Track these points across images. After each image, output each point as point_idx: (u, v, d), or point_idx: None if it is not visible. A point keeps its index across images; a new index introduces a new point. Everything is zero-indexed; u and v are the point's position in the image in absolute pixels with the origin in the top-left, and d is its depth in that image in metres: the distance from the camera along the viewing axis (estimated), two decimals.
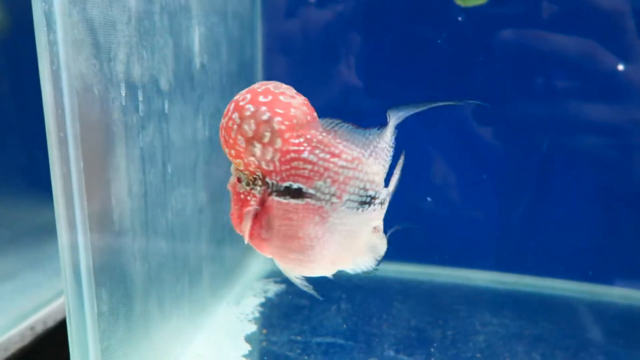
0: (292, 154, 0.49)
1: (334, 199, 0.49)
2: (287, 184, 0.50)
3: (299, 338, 0.96)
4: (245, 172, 0.53)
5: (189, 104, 0.87)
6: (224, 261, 1.08)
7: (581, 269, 1.22)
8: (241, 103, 0.52)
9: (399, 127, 0.54)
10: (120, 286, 0.68)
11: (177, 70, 0.81)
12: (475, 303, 1.15)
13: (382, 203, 0.52)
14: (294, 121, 0.49)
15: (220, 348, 0.92)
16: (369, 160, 0.50)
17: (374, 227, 0.55)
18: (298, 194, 0.50)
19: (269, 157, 0.50)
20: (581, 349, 0.95)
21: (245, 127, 0.50)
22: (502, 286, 1.24)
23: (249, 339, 0.96)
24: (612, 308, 1.13)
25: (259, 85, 0.53)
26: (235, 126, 0.51)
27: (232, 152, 0.52)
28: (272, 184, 0.51)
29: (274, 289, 1.19)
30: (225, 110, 0.52)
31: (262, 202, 0.52)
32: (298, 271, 0.57)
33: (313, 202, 0.50)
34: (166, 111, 0.78)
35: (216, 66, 0.98)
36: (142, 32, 0.70)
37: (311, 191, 0.49)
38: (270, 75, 1.30)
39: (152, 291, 0.76)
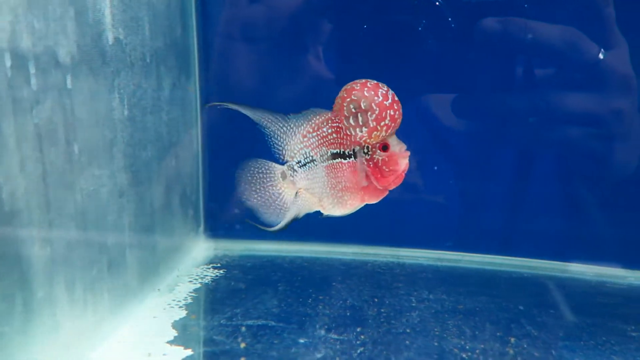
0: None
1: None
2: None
3: (229, 322, 0.94)
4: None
5: (101, 80, 0.83)
6: (155, 247, 1.05)
7: (523, 246, 1.23)
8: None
9: None
10: (14, 269, 0.64)
11: (82, 43, 0.77)
12: (415, 281, 1.14)
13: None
14: None
15: (144, 335, 0.88)
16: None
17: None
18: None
19: None
20: (512, 321, 0.95)
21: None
22: (444, 264, 1.24)
23: (176, 325, 0.92)
24: (549, 281, 1.15)
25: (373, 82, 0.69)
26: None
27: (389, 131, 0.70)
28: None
29: (212, 274, 1.16)
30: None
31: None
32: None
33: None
34: (69, 86, 0.74)
35: (136, 42, 0.94)
36: None
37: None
38: (207, 57, 1.25)
39: (58, 276, 0.72)
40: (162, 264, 1.09)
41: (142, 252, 0.99)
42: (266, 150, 1.02)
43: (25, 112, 0.65)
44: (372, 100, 0.67)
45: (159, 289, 1.04)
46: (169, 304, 1.00)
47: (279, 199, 0.77)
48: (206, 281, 1.12)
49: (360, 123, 0.68)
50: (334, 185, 0.72)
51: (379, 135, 0.69)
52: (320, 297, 1.04)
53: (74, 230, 0.76)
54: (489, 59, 1.00)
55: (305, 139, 0.72)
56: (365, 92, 0.68)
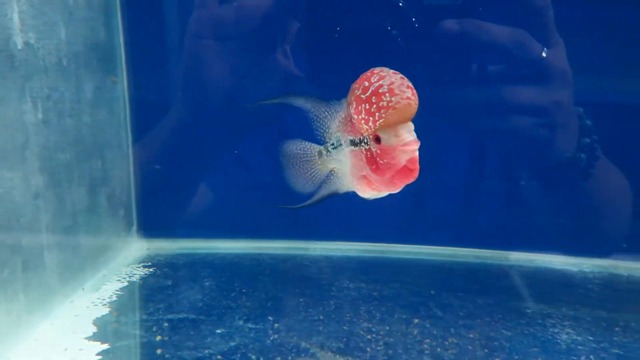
0: None
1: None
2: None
3: (150, 317, 0.97)
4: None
5: (9, 85, 0.84)
6: (78, 248, 1.06)
7: (443, 235, 1.31)
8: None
9: None
10: None
11: None
12: (339, 272, 1.20)
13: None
14: None
15: (63, 332, 0.90)
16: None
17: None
18: None
19: None
20: (421, 304, 1.02)
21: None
22: (369, 254, 1.30)
23: (97, 321, 0.95)
24: (461, 267, 1.22)
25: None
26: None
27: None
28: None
29: (141, 273, 1.18)
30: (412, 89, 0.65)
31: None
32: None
33: None
34: None
35: (50, 46, 0.96)
36: None
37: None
38: (134, 59, 1.27)
39: None
40: (88, 263, 1.11)
41: (63, 253, 1.00)
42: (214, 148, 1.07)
43: None
44: (364, 89, 0.64)
45: (83, 288, 1.06)
46: (93, 303, 1.02)
47: (314, 174, 0.82)
48: (134, 279, 1.14)
49: (355, 112, 0.67)
50: (350, 171, 0.74)
51: (371, 126, 0.65)
52: (244, 291, 1.08)
53: None
54: (448, 56, 1.08)
55: (339, 124, 0.74)
56: (364, 80, 0.66)
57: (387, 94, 0.63)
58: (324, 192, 0.81)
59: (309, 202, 0.83)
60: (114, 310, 0.99)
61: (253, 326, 0.94)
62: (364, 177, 0.72)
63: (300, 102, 0.78)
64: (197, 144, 1.32)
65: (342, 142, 0.73)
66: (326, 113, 0.77)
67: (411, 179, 0.66)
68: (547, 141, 1.09)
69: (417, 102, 0.64)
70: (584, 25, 1.05)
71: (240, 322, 0.95)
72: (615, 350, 0.86)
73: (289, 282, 1.13)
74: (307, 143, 0.82)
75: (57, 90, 0.98)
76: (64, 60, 1.00)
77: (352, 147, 0.71)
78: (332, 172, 0.80)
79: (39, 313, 0.92)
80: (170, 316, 0.97)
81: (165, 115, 1.30)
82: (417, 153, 0.65)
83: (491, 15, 1.02)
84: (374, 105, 0.63)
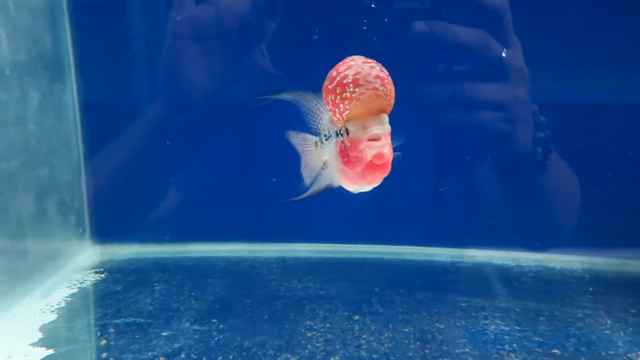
0: None
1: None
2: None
3: (97, 322, 0.98)
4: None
5: None
6: (26, 255, 1.07)
7: (392, 234, 1.36)
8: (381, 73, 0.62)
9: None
10: None
11: None
12: (289, 272, 1.24)
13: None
14: None
15: (8, 339, 0.91)
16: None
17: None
18: None
19: None
20: (364, 302, 1.06)
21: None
22: (319, 255, 1.34)
23: (43, 328, 0.96)
24: (408, 264, 1.28)
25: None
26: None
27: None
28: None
29: (92, 279, 1.19)
30: (386, 74, 0.61)
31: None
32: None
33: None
34: None
35: None
36: None
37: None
38: (83, 64, 1.28)
39: None
40: (37, 271, 1.12)
41: (9, 260, 1.01)
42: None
43: None
44: (331, 79, 0.62)
45: (31, 296, 1.07)
46: (41, 309, 1.03)
47: (313, 166, 0.80)
48: (85, 286, 1.15)
49: (325, 103, 0.65)
50: (334, 163, 0.72)
51: (339, 118, 0.64)
52: (193, 294, 1.11)
53: None
54: (417, 55, 1.14)
55: (331, 115, 0.72)
56: (333, 71, 0.64)
57: (350, 85, 0.60)
58: (319, 185, 0.79)
59: (305, 195, 0.80)
60: (62, 317, 1.00)
61: (198, 328, 0.96)
62: (341, 170, 0.70)
63: (294, 97, 0.76)
64: (149, 149, 1.33)
65: (332, 133, 0.72)
66: (318, 105, 0.75)
67: (380, 174, 0.64)
68: (507, 135, 1.15)
69: (388, 93, 0.60)
70: (541, 27, 1.14)
71: (187, 325, 0.98)
72: (537, 339, 0.92)
73: (239, 285, 1.16)
74: (306, 134, 0.80)
75: (0, 100, 0.99)
76: (7, 70, 1.01)
77: (336, 138, 0.69)
78: (325, 164, 0.78)
79: None
80: (117, 321, 0.99)
81: (116, 120, 1.31)
82: (385, 148, 0.62)
83: (456, 18, 1.09)
84: (338, 97, 0.61)
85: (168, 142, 1.31)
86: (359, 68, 0.60)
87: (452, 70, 1.12)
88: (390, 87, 0.61)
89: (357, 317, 0.99)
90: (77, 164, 1.27)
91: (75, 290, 1.13)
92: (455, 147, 1.26)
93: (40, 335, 0.94)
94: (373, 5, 1.09)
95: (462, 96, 1.13)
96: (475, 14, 1.07)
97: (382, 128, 0.61)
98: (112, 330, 0.96)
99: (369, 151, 0.62)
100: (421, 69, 1.14)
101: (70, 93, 1.24)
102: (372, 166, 0.63)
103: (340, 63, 0.63)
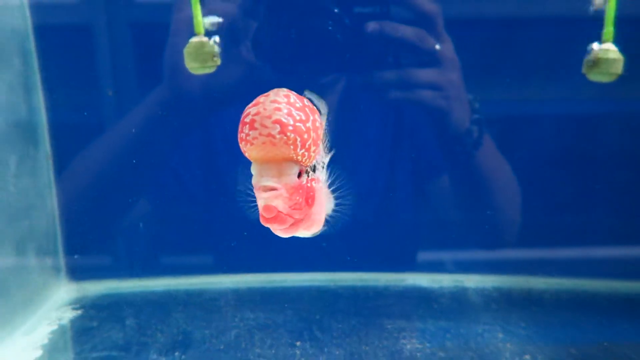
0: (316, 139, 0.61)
1: (318, 165, 0.65)
2: (314, 162, 0.62)
3: (77, 356, 1.15)
4: (305, 164, 0.59)
5: None
6: (9, 300, 1.23)
7: (335, 262, 1.56)
8: (310, 106, 0.58)
9: None
10: None
11: None
12: (243, 303, 1.42)
13: (323, 165, 0.68)
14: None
15: None
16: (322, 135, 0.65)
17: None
18: (314, 167, 0.63)
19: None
20: (305, 329, 1.26)
21: (320, 124, 0.60)
22: (270, 285, 1.53)
23: None
24: (345, 291, 1.48)
25: (287, 91, 0.58)
26: (318, 124, 0.58)
27: (316, 147, 0.58)
28: (313, 166, 0.62)
29: (69, 315, 1.35)
30: (300, 115, 0.55)
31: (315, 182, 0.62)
32: (318, 229, 0.68)
33: (318, 171, 0.64)
34: None
35: None
36: None
37: (316, 163, 0.64)
38: (57, 123, 1.44)
39: None
40: (20, 312, 1.27)
41: None
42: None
43: None
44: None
45: (15, 334, 1.22)
46: (28, 346, 1.19)
47: None
48: (63, 322, 1.31)
49: None
50: None
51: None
52: (159, 327, 1.28)
53: None
54: (370, 50, 1.39)
55: None
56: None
57: (246, 126, 0.55)
58: None
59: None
60: (46, 353, 1.17)
61: (164, 358, 1.14)
62: None
63: None
64: (113, 200, 1.49)
65: None
66: None
67: (272, 227, 0.60)
68: (444, 111, 1.40)
69: (288, 141, 0.54)
70: (469, 24, 1.42)
71: (154, 356, 1.15)
72: (442, 354, 1.14)
73: (199, 317, 1.34)
74: None
75: None
76: None
77: None
78: None
79: None
80: (94, 354, 1.16)
81: (85, 174, 1.48)
82: (274, 202, 0.56)
83: (400, 20, 1.36)
84: (238, 135, 0.56)
85: (130, 200, 1.47)
86: (262, 108, 0.54)
87: (398, 59, 1.39)
88: (295, 135, 0.54)
89: (298, 343, 1.19)
90: (51, 215, 1.43)
91: (56, 327, 1.29)
92: (402, 125, 1.49)
93: None
94: (336, 10, 1.35)
95: (406, 79, 1.39)
96: (415, 17, 1.35)
97: (271, 180, 0.55)
98: None
99: (258, 201, 0.57)
100: (375, 59, 1.40)
101: (44, 153, 1.39)
102: (262, 216, 0.58)
103: (260, 96, 0.58)
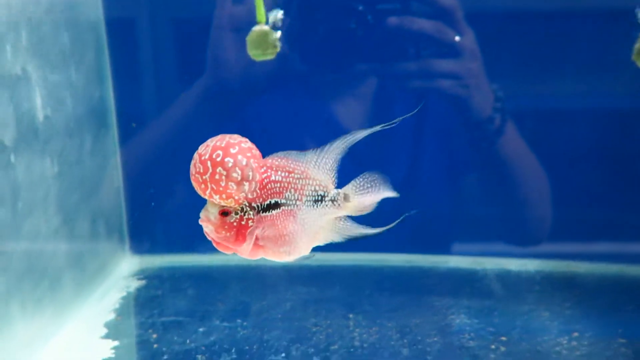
0: (266, 180, 0.69)
1: (298, 202, 0.71)
2: (267, 202, 0.68)
3: (147, 320, 1.26)
4: (233, 206, 0.66)
5: (35, 150, 1.11)
6: (85, 268, 1.34)
7: (376, 242, 1.63)
8: (219, 159, 0.63)
9: None
10: None
11: (21, 127, 1.05)
12: (295, 279, 1.50)
13: (332, 200, 0.73)
14: (256, 157, 0.69)
15: (80, 335, 1.18)
16: (314, 171, 0.72)
17: (335, 218, 0.76)
18: (276, 205, 0.70)
19: (253, 188, 0.67)
20: (356, 303, 1.33)
21: (234, 175, 0.63)
22: (319, 263, 1.60)
23: (107, 325, 1.23)
24: (391, 270, 1.55)
25: (220, 140, 0.65)
26: (223, 177, 0.63)
27: (223, 195, 0.64)
28: (257, 206, 0.68)
29: (135, 285, 1.46)
30: (200, 167, 0.62)
31: (253, 221, 0.68)
32: (286, 259, 0.74)
33: (286, 208, 0.71)
34: (12, 161, 1.02)
35: (61, 114, 1.22)
36: None
37: (283, 201, 0.70)
38: (123, 110, 1.55)
39: (13, 298, 1.01)
40: (94, 280, 1.38)
41: (75, 274, 1.28)
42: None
43: None
44: None
45: (90, 300, 1.33)
46: (101, 311, 1.30)
47: None
48: (131, 290, 1.42)
49: None
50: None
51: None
52: (219, 298, 1.38)
53: (22, 264, 1.05)
54: (391, 43, 1.45)
55: None
56: None
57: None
58: None
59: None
60: (118, 316, 1.27)
61: (227, 325, 1.23)
62: None
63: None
64: (175, 178, 1.59)
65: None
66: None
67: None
68: (465, 100, 1.44)
69: (198, 186, 0.64)
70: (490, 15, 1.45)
71: (217, 322, 1.25)
72: (490, 329, 1.20)
73: (255, 290, 1.43)
74: None
75: (66, 147, 1.25)
76: (71, 123, 1.27)
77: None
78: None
79: (61, 322, 1.19)
80: (163, 319, 1.26)
81: (146, 153, 1.58)
82: (205, 229, 0.67)
83: (420, 14, 1.40)
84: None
85: (185, 181, 1.57)
86: (200, 150, 0.64)
87: (419, 52, 1.44)
88: (195, 184, 0.64)
89: (351, 316, 1.26)
90: (118, 192, 1.54)
91: (124, 294, 1.40)
92: (426, 115, 1.53)
93: (104, 330, 1.21)
94: (360, 8, 1.40)
95: (426, 70, 1.43)
96: (435, 12, 1.40)
97: (203, 213, 0.67)
98: (159, 326, 1.23)
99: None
100: (396, 52, 1.46)
101: (112, 134, 1.50)
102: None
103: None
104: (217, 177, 0.63)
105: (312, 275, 1.54)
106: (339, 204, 0.75)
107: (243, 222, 0.67)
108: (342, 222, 0.77)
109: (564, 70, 1.48)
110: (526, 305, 1.32)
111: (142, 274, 1.54)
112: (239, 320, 1.25)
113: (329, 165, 0.72)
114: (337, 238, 0.77)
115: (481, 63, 1.42)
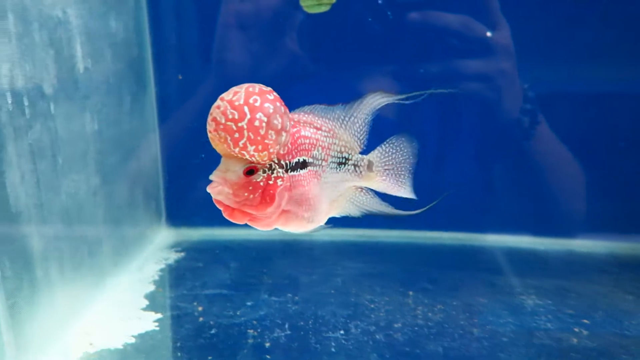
0: (296, 135, 0.61)
1: (323, 163, 0.64)
2: (296, 159, 0.61)
3: (189, 292, 1.17)
4: (261, 162, 0.57)
5: (75, 103, 1.02)
6: (124, 236, 1.25)
7: (432, 220, 1.51)
8: (257, 104, 0.55)
9: None
10: (21, 255, 0.84)
11: (60, 75, 0.96)
12: (341, 254, 1.40)
13: (355, 165, 0.68)
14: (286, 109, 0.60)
15: (121, 304, 1.10)
16: (341, 130, 0.66)
17: (356, 188, 0.71)
18: (304, 165, 0.62)
19: (287, 141, 0.58)
20: (414, 279, 1.23)
21: (275, 122, 0.55)
22: (365, 239, 1.50)
23: (147, 296, 1.15)
24: (445, 249, 1.43)
25: (249, 87, 0.56)
26: (264, 124, 0.54)
27: (259, 147, 0.55)
28: (286, 163, 0.60)
29: (174, 257, 1.37)
30: (234, 113, 0.54)
31: (282, 180, 0.60)
32: (306, 228, 0.65)
33: (312, 168, 0.63)
34: (52, 112, 0.93)
35: (101, 68, 1.13)
36: (22, 48, 0.85)
37: (310, 160, 0.62)
38: (162, 69, 1.45)
39: (51, 260, 0.93)
40: (132, 249, 1.30)
41: (114, 240, 1.19)
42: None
43: (22, 135, 0.85)
44: None
45: (129, 269, 1.25)
46: (140, 281, 1.22)
47: None
48: (169, 262, 1.34)
49: None
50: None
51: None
52: (264, 271, 1.28)
53: (61, 225, 0.97)
54: (414, 39, 1.32)
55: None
56: None
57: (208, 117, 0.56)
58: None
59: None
60: (159, 287, 1.19)
61: (276, 299, 1.14)
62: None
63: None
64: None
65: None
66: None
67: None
68: (494, 103, 1.31)
69: (222, 140, 0.55)
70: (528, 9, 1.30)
71: (265, 296, 1.15)
72: (569, 311, 1.08)
73: (300, 263, 1.33)
74: None
75: (106, 105, 1.16)
76: (110, 78, 1.18)
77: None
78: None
79: (99, 289, 1.11)
80: (206, 291, 1.17)
81: (186, 118, 1.48)
82: (219, 196, 0.58)
83: (446, 7, 1.27)
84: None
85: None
86: (216, 102, 0.56)
87: (444, 50, 1.31)
88: (225, 134, 0.54)
89: (411, 293, 1.16)
90: (155, 158, 1.45)
91: (163, 265, 1.31)
92: (451, 119, 1.41)
93: (145, 302, 1.12)
94: (380, 1, 1.27)
95: (452, 70, 1.31)
96: (463, 2, 1.27)
97: (216, 175, 0.57)
98: (203, 298, 1.14)
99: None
100: (419, 50, 1.35)
101: (150, 96, 1.41)
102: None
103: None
104: (256, 123, 0.54)
105: (358, 250, 1.44)
106: (360, 172, 0.68)
107: (271, 182, 0.58)
108: (363, 194, 0.71)
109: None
110: (603, 287, 1.20)
111: (179, 246, 1.45)
112: (289, 295, 1.15)
113: (357, 126, 0.66)
114: (354, 211, 0.70)
115: (515, 61, 1.28)
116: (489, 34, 1.24)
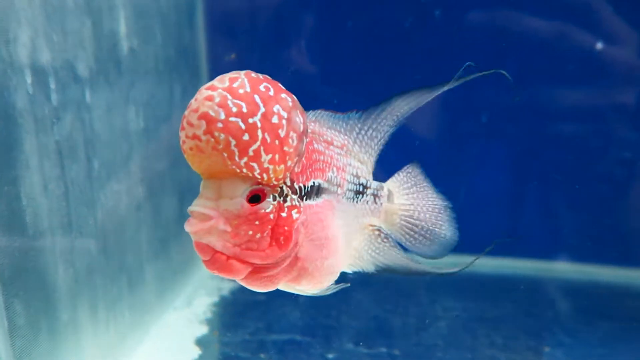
0: (309, 147, 0.40)
1: (339, 190, 0.44)
2: (310, 182, 0.41)
3: (253, 337, 0.91)
4: (272, 184, 0.38)
5: (116, 92, 0.80)
6: (170, 260, 1.02)
7: (538, 248, 1.21)
8: (271, 93, 0.36)
9: None
10: (39, 295, 0.61)
11: (99, 54, 0.74)
12: (435, 288, 1.12)
13: (375, 195, 0.47)
14: None
15: (168, 354, 0.86)
16: (355, 147, 0.45)
17: (372, 230, 0.49)
18: (318, 191, 0.42)
19: (303, 153, 0.39)
20: (543, 328, 0.94)
21: (297, 119, 0.37)
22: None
23: (199, 341, 0.90)
24: (568, 285, 1.13)
25: (251, 72, 0.39)
26: (283, 121, 0.36)
27: (276, 156, 0.37)
28: (300, 187, 0.40)
29: (228, 286, 1.13)
30: (239, 105, 0.36)
31: (299, 212, 0.41)
32: (323, 283, 0.48)
33: (327, 196, 0.42)
34: (88, 100, 0.71)
35: (149, 51, 0.91)
36: (49, 11, 0.63)
37: (325, 185, 0.42)
38: (215, 60, 1.23)
39: (81, 297, 0.69)
40: (179, 276, 1.06)
41: (159, 265, 0.96)
42: None
43: (46, 129, 0.62)
44: None
45: (175, 304, 1.01)
46: (189, 319, 0.97)
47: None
48: (224, 293, 1.09)
49: None
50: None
51: None
52: (343, 308, 1.02)
53: (94, 248, 0.73)
54: (473, 51, 0.96)
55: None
56: None
57: (181, 124, 0.39)
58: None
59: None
60: (214, 329, 0.94)
61: (367, 350, 0.87)
62: None
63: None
64: None
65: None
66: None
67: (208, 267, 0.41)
68: (602, 151, 0.97)
69: (216, 146, 0.37)
70: None
71: (351, 346, 0.89)
72: None
73: (387, 300, 1.06)
74: None
75: (154, 97, 0.93)
76: (160, 65, 0.95)
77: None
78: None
79: (140, 332, 0.87)
80: (274, 336, 0.91)
81: None
82: (204, 238, 0.40)
83: (532, 9, 0.90)
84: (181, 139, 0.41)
85: None
86: (195, 97, 0.38)
87: (522, 69, 0.92)
88: (227, 136, 0.36)
89: (547, 349, 0.87)
90: None
91: (216, 298, 1.07)
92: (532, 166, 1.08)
93: (198, 350, 0.87)
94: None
95: (537, 102, 0.93)
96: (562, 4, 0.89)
97: (204, 204, 0.39)
98: (271, 347, 0.88)
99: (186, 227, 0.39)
100: (482, 68, 1.01)
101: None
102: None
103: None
104: (275, 119, 0.36)
105: (453, 283, 1.15)
106: (381, 203, 0.48)
107: (284, 214, 0.39)
108: (380, 240, 0.49)
109: None
110: None
111: None
112: (382, 347, 0.88)
113: (376, 140, 0.46)
114: (368, 265, 0.51)
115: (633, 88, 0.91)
116: (599, 45, 0.89)
